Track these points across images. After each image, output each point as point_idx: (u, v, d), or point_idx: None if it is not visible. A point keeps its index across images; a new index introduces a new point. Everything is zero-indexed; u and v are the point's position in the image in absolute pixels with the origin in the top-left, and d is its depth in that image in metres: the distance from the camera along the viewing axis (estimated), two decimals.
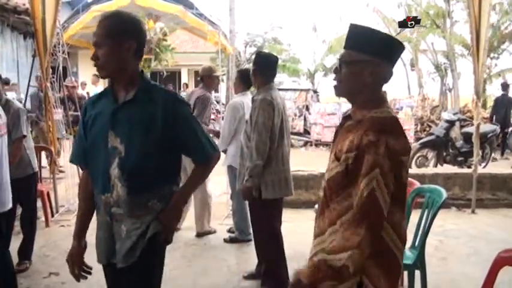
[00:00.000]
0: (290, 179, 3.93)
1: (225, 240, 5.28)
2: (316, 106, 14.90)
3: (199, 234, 5.48)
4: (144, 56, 8.98)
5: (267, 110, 3.72)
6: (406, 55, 20.83)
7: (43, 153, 6.30)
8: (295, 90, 16.32)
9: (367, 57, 1.78)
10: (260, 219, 3.96)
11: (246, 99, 5.03)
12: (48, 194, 5.99)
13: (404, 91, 20.46)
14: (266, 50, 26.07)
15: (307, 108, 15.27)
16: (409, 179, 3.78)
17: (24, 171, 4.29)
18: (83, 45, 14.69)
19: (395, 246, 1.76)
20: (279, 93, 4.00)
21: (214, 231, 5.59)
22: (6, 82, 11.03)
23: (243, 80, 5.05)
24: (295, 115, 15.31)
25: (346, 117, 1.90)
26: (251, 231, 4.87)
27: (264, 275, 3.99)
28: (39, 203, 5.88)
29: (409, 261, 3.22)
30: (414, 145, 10.20)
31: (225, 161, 5.03)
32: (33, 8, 5.80)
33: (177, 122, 2.14)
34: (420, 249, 3.30)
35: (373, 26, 1.89)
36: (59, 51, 6.62)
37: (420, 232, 3.40)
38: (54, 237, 5.36)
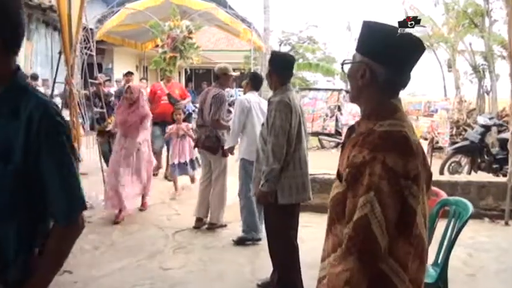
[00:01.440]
0: (308, 183, 3.77)
1: (234, 241, 5.18)
2: (348, 106, 14.56)
3: (212, 225, 5.62)
4: (170, 54, 9.02)
5: (284, 112, 3.58)
6: (443, 55, 20.23)
7: None
8: (326, 90, 16.03)
9: (362, 59, 1.59)
10: (275, 225, 3.81)
11: (252, 96, 5.25)
12: None
13: (441, 93, 19.85)
14: (301, 49, 26.01)
15: (339, 109, 14.97)
16: (436, 188, 3.62)
17: None
18: (118, 42, 14.91)
19: (403, 283, 1.50)
20: (296, 94, 3.88)
21: (225, 225, 5.68)
22: (35, 77, 11.26)
23: (252, 82, 5.31)
24: (327, 116, 15.04)
25: (351, 129, 1.68)
26: (262, 229, 4.93)
27: (277, 284, 3.85)
28: None
29: (430, 280, 3.00)
30: (448, 150, 9.85)
31: (238, 155, 5.21)
32: (59, 4, 5.82)
33: (41, 150, 1.42)
34: (443, 267, 3.07)
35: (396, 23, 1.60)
36: (85, 48, 6.63)
37: (444, 248, 3.18)
38: None
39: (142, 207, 6.36)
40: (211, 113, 5.50)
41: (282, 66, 3.86)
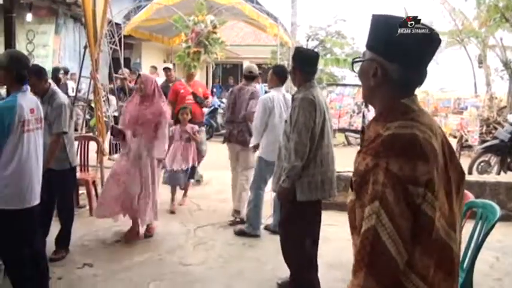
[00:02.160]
0: (330, 180, 3.67)
1: (234, 231, 5.37)
2: None
3: (235, 212, 5.76)
4: (194, 49, 8.89)
5: (308, 109, 3.51)
6: (474, 51, 19.71)
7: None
8: (354, 86, 15.79)
9: (373, 56, 1.48)
10: (291, 222, 3.73)
11: (276, 93, 5.23)
12: (94, 183, 6.07)
13: (471, 89, 19.35)
14: (328, 44, 25.76)
15: (366, 105, 14.76)
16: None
17: (60, 165, 4.31)
18: (146, 37, 15.03)
19: None
20: (321, 91, 3.80)
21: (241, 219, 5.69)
22: (66, 71, 11.43)
23: (278, 76, 5.22)
24: (354, 112, 14.87)
25: (363, 131, 1.56)
26: (261, 227, 5.33)
27: (291, 284, 3.80)
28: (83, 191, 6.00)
29: None
30: (477, 149, 9.60)
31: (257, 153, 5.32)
32: (84, 0, 5.85)
33: None
34: (468, 272, 2.95)
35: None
36: (110, 43, 6.67)
37: (470, 252, 3.06)
38: (96, 227, 5.38)
39: (148, 232, 5.20)
40: (249, 105, 5.63)
41: (305, 62, 3.77)
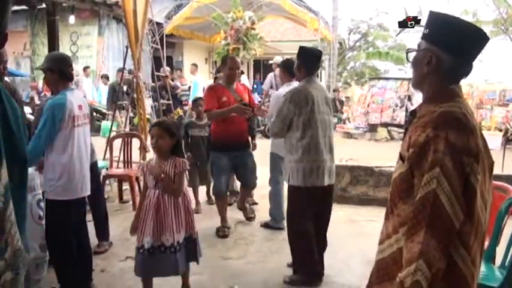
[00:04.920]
0: (322, 169, 3.85)
1: (261, 225, 5.53)
2: (419, 96, 13.91)
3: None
4: (233, 46, 8.92)
5: (288, 100, 3.85)
6: None
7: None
8: (396, 79, 15.53)
9: (429, 47, 1.67)
10: (289, 202, 4.04)
11: (289, 89, 5.33)
12: (137, 178, 6.22)
13: None
14: (370, 38, 25.36)
15: (409, 99, 14.49)
16: (505, 184, 3.38)
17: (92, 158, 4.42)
18: (187, 35, 15.25)
19: (464, 262, 1.56)
20: (318, 84, 4.10)
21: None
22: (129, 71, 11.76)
23: (288, 71, 5.17)
24: (396, 106, 14.62)
25: (412, 114, 1.77)
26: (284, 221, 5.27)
27: (295, 271, 4.04)
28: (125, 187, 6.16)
29: (496, 283, 2.81)
30: None
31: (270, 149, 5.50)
32: (124, 0, 5.98)
33: None
34: (510, 269, 2.86)
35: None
36: (152, 42, 6.79)
37: None
38: None
39: None
40: None
41: (308, 60, 4.03)
